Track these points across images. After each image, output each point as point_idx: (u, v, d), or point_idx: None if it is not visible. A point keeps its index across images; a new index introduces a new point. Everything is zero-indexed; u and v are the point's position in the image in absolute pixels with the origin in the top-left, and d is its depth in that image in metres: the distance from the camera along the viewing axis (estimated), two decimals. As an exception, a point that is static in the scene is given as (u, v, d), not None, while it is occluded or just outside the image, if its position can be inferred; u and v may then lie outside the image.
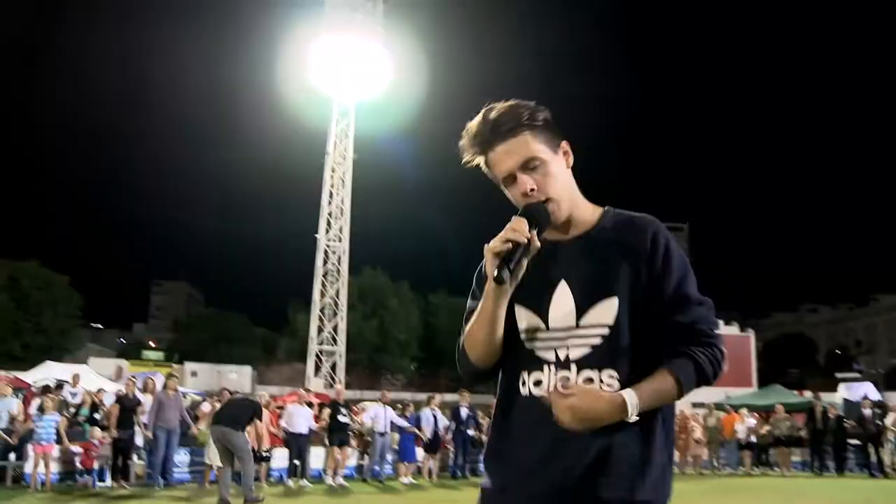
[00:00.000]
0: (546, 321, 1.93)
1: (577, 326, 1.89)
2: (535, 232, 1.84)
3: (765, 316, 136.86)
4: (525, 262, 1.84)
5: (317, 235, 42.44)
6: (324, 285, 42.62)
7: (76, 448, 13.25)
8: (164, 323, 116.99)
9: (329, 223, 42.65)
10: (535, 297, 1.95)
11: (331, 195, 42.66)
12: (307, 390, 18.42)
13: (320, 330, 42.39)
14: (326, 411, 15.47)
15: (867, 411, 19.39)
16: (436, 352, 68.26)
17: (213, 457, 13.52)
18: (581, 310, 1.89)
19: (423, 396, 20.22)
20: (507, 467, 1.94)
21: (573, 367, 1.87)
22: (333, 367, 42.29)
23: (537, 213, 1.88)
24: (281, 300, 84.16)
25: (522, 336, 1.96)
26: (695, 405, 27.69)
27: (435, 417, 16.87)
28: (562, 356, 1.89)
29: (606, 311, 1.87)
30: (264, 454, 13.83)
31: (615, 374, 1.84)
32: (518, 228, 1.81)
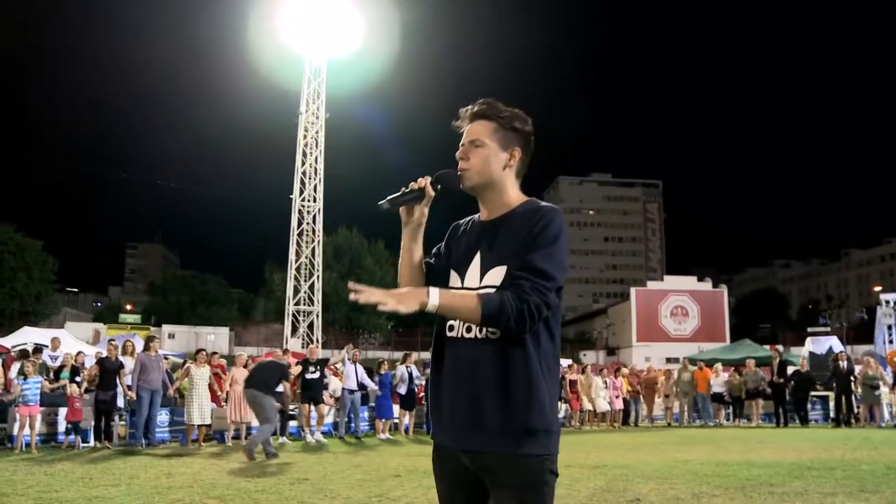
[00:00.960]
0: (463, 281, 2.42)
1: (479, 286, 2.35)
2: (434, 186, 2.43)
3: (739, 271, 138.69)
4: (418, 206, 2.46)
5: (291, 196, 42.49)
6: (299, 245, 42.70)
7: (61, 410, 13.52)
8: (140, 286, 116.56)
9: (303, 183, 42.63)
10: (461, 262, 2.46)
11: (304, 155, 42.59)
12: (285, 350, 18.71)
13: (297, 290, 42.57)
14: (297, 369, 15.77)
15: (843, 363, 20.00)
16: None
17: (193, 416, 13.88)
18: (483, 273, 2.37)
19: (399, 355, 20.53)
20: (440, 421, 2.43)
21: None
22: (311, 327, 42.56)
23: (444, 176, 2.46)
24: (257, 261, 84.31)
25: None
26: (668, 360, 28.31)
27: (410, 374, 17.29)
28: None
29: (496, 276, 2.33)
30: (291, 412, 15.26)
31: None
32: (420, 180, 2.44)
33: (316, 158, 42.75)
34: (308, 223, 42.81)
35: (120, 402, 14.19)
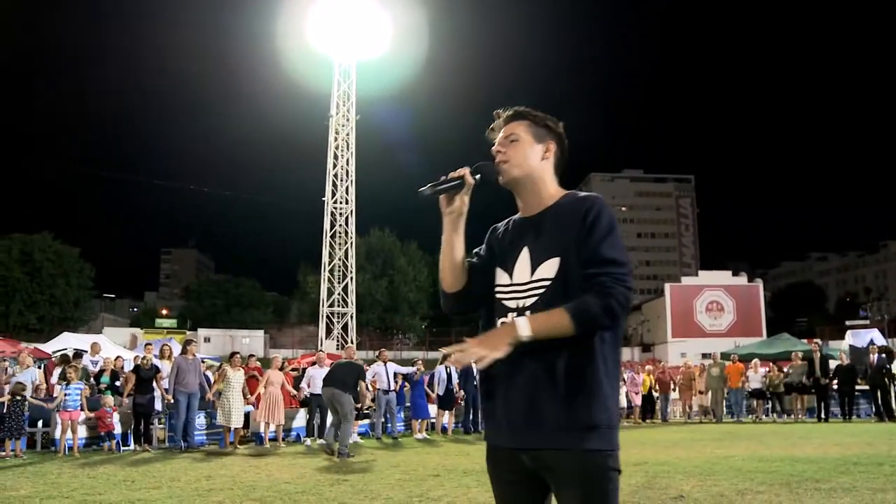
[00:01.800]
0: (511, 277, 2.42)
1: (530, 281, 2.36)
2: (475, 177, 2.43)
3: (774, 265, 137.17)
4: (458, 195, 2.44)
5: (324, 198, 42.64)
6: (332, 247, 42.88)
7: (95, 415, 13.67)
8: (175, 291, 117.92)
9: (335, 185, 42.81)
10: (507, 259, 2.46)
11: (335, 157, 42.77)
12: (318, 352, 18.74)
13: (330, 292, 42.74)
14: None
15: (874, 356, 19.64)
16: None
17: (225, 418, 13.92)
18: (534, 267, 2.37)
19: (435, 355, 20.48)
20: (494, 421, 2.41)
21: (527, 313, 2.31)
22: (345, 329, 42.70)
23: (483, 166, 2.47)
24: (291, 264, 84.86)
25: (497, 290, 2.46)
26: (704, 356, 27.96)
27: (449, 374, 17.20)
28: (521, 305, 2.36)
29: (550, 268, 2.32)
30: (366, 411, 15.33)
31: None
32: (459, 170, 2.43)
33: (347, 160, 42.91)
34: (341, 225, 42.98)
35: (158, 406, 14.31)
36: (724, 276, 64.54)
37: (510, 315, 2.36)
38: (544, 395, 2.22)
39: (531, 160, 2.46)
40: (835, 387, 20.25)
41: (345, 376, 12.87)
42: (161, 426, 14.62)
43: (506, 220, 2.62)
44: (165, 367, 14.37)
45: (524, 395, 2.26)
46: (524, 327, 2.17)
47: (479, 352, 2.15)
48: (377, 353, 17.10)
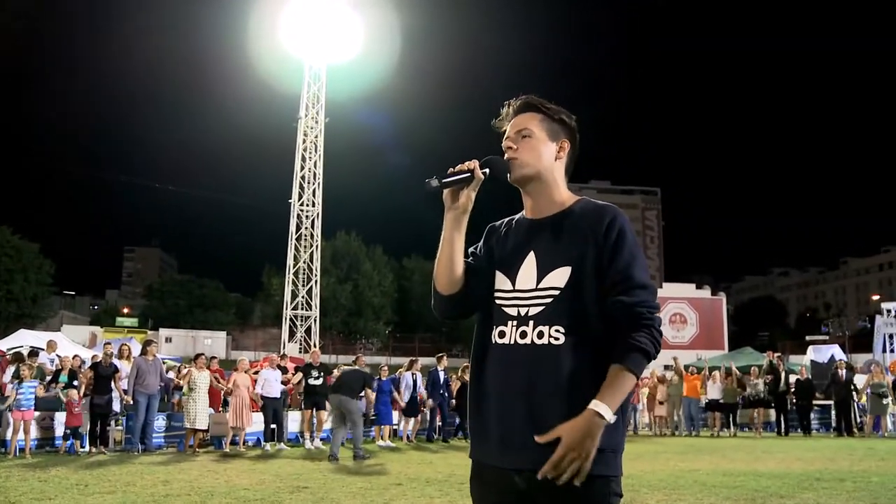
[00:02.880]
0: (514, 283, 2.27)
1: (536, 289, 2.21)
2: (483, 170, 2.26)
3: (737, 279, 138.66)
4: (465, 190, 2.27)
5: (290, 200, 42.35)
6: (297, 250, 42.58)
7: (57, 414, 13.34)
8: (138, 289, 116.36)
9: (302, 188, 42.53)
10: (510, 263, 2.31)
11: (303, 160, 42.50)
12: (282, 355, 18.51)
13: (294, 295, 42.43)
14: (298, 375, 15.59)
15: (842, 371, 19.83)
16: (410, 315, 68.58)
17: (194, 421, 13.68)
18: (541, 275, 2.22)
19: (398, 361, 20.32)
20: (485, 437, 2.22)
21: (530, 322, 2.18)
22: (308, 332, 42.41)
23: (493, 161, 2.31)
24: (255, 266, 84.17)
25: (496, 295, 2.30)
26: (666, 367, 28.09)
27: (415, 381, 17.07)
28: (522, 313, 2.21)
29: (559, 277, 2.18)
30: (372, 416, 16.12)
31: (561, 328, 2.13)
32: (468, 163, 2.27)
33: (315, 163, 42.66)
34: (307, 228, 42.70)
35: (116, 407, 14.01)
36: (687, 289, 64.94)
37: (510, 323, 2.21)
38: (545, 410, 2.07)
39: (544, 160, 2.31)
40: (794, 401, 20.42)
41: (352, 383, 13.34)
42: (118, 427, 14.30)
43: (507, 220, 2.47)
44: (125, 367, 14.08)
45: (522, 410, 2.11)
46: (606, 410, 2.00)
47: (577, 465, 1.96)
48: (354, 359, 16.92)
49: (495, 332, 2.24)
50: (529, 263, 2.25)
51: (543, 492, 2.05)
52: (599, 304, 2.13)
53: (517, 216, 2.45)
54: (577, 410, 2.02)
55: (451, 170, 2.27)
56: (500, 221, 2.49)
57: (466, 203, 2.29)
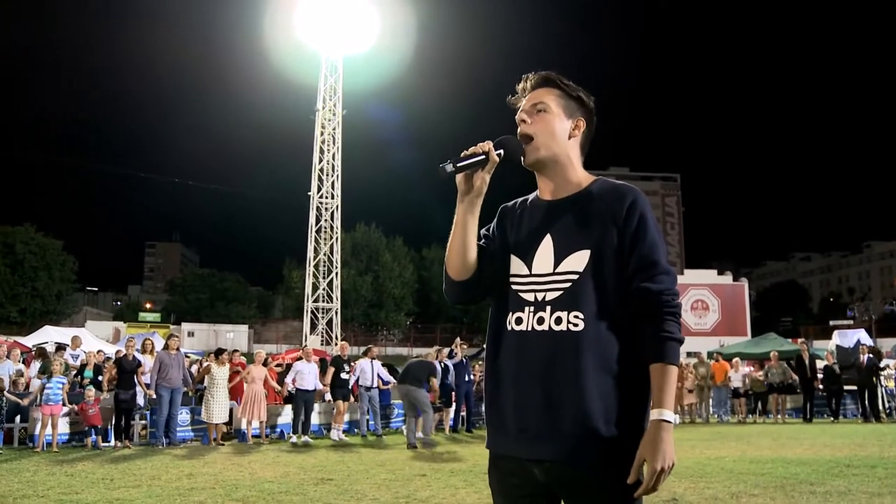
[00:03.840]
0: (530, 268, 2.20)
1: (554, 273, 2.14)
2: (498, 152, 2.19)
3: (758, 265, 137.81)
4: (479, 173, 2.19)
5: (309, 193, 42.37)
6: (317, 242, 42.63)
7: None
8: (159, 284, 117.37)
9: (321, 180, 42.54)
10: (525, 246, 2.24)
11: (321, 152, 42.49)
12: (303, 347, 18.49)
13: (315, 287, 42.49)
14: (330, 367, 15.55)
15: (864, 357, 19.61)
16: (431, 306, 68.61)
17: (213, 415, 13.73)
18: (558, 259, 2.15)
19: (420, 351, 20.22)
20: (501, 427, 2.16)
21: (548, 308, 2.11)
22: (329, 324, 42.46)
23: (507, 142, 2.24)
24: (275, 259, 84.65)
25: (512, 280, 2.23)
26: (689, 355, 27.93)
27: (445, 368, 16.54)
28: (539, 298, 2.13)
29: (578, 261, 2.11)
30: (439, 404, 16.38)
31: (580, 314, 2.06)
32: (482, 144, 2.19)
33: (333, 155, 42.62)
34: (326, 220, 42.72)
35: (140, 401, 14.06)
36: (709, 275, 64.51)
37: (527, 309, 2.14)
38: (566, 397, 2.01)
39: (558, 137, 2.24)
40: (821, 387, 20.25)
41: (418, 373, 13.79)
42: (143, 422, 14.36)
43: (520, 200, 2.40)
44: (148, 361, 14.12)
45: (540, 398, 2.04)
46: (670, 415, 1.97)
47: (665, 474, 1.93)
48: (365, 349, 16.89)
49: (511, 318, 2.17)
50: (546, 247, 2.18)
51: (563, 485, 2.01)
52: (619, 290, 2.07)
53: (531, 196, 2.38)
54: (596, 399, 1.98)
55: (465, 153, 2.20)
56: (513, 202, 2.42)
57: (481, 186, 2.21)
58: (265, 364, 15.46)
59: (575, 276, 2.09)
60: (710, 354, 23.87)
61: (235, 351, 16.17)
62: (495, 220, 2.41)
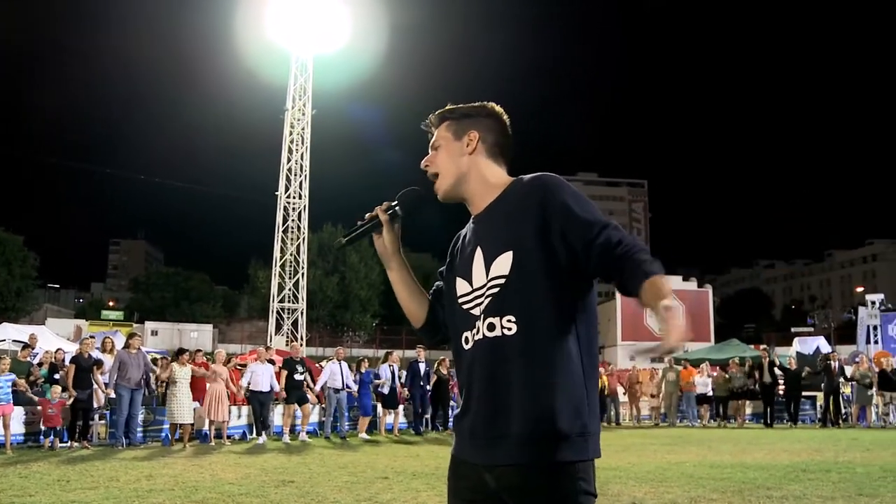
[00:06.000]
0: (471, 284, 2.20)
1: (486, 282, 2.13)
2: (394, 210, 2.36)
3: (723, 272, 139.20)
4: (379, 237, 2.38)
5: (276, 193, 42.13)
6: (284, 242, 42.35)
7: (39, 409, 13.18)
8: (123, 282, 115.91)
9: (289, 180, 42.26)
10: (465, 266, 2.25)
11: (290, 152, 42.23)
12: (267, 348, 18.39)
13: (281, 287, 42.22)
14: (283, 371, 15.50)
15: (834, 363, 19.95)
16: (397, 308, 67.54)
17: (175, 415, 13.59)
18: (487, 267, 2.15)
19: (384, 353, 20.32)
20: (460, 432, 2.18)
21: (484, 317, 2.10)
22: (295, 325, 42.24)
23: (403, 195, 2.38)
24: (241, 258, 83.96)
25: (459, 300, 2.23)
26: (653, 360, 28.18)
27: (393, 373, 17.07)
28: (481, 310, 2.13)
29: (503, 264, 2.10)
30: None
31: (513, 318, 2.05)
32: (375, 209, 2.35)
33: (302, 155, 42.37)
34: (293, 220, 42.47)
35: (101, 401, 13.87)
36: (674, 281, 65.28)
37: (477, 324, 2.12)
38: (512, 399, 2.00)
39: (456, 161, 2.29)
40: (781, 391, 20.55)
41: None
42: (102, 422, 14.18)
43: (466, 226, 2.40)
44: (109, 360, 13.94)
45: (485, 406, 2.06)
46: (660, 276, 1.83)
47: (681, 336, 1.73)
48: (335, 351, 16.91)
49: (463, 336, 2.19)
50: (479, 259, 2.18)
51: (509, 490, 1.98)
52: (550, 285, 2.02)
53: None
54: (536, 400, 1.95)
55: (360, 220, 2.35)
56: (463, 229, 2.41)
57: (392, 244, 2.40)
58: (227, 364, 15.36)
59: (502, 281, 2.09)
60: (677, 360, 24.10)
61: (198, 351, 16.06)
62: (449, 252, 2.43)
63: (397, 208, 2.35)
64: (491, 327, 2.07)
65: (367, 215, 2.34)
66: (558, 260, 2.03)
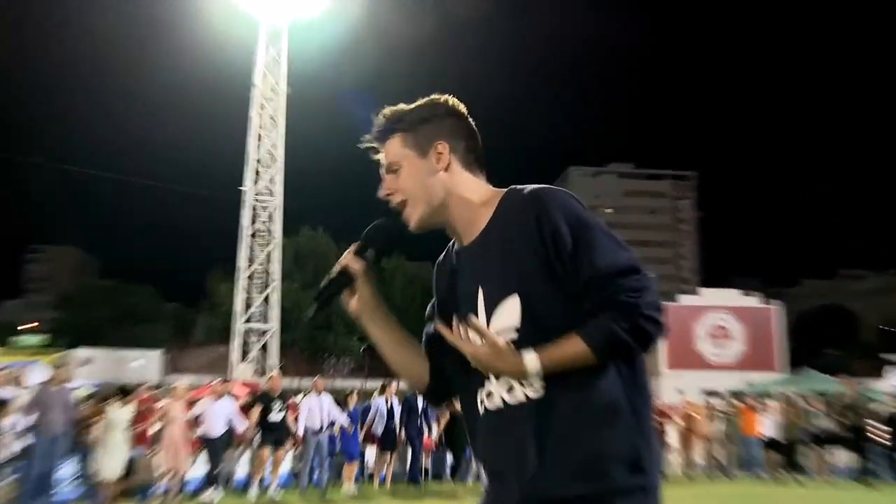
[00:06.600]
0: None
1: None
2: (365, 255, 2.39)
3: (794, 284, 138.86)
4: (357, 290, 2.39)
5: (242, 188, 42.04)
6: (252, 249, 42.38)
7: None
8: (47, 299, 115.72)
9: (258, 173, 42.28)
10: (467, 308, 2.28)
11: (259, 138, 42.24)
12: (225, 380, 18.03)
13: (248, 304, 42.22)
14: (256, 407, 15.13)
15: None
16: None
17: (106, 470, 13.21)
18: (489, 314, 2.21)
19: (375, 384, 20.13)
20: (484, 484, 2.30)
21: (501, 377, 2.18)
22: (265, 349, 42.20)
23: (374, 232, 2.42)
24: (199, 268, 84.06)
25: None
26: (708, 394, 27.93)
27: (391, 409, 16.90)
28: None
29: (511, 313, 2.15)
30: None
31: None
32: (342, 260, 2.38)
33: (274, 143, 42.37)
34: (263, 222, 42.50)
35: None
36: (731, 296, 64.47)
37: (490, 387, 2.21)
38: (552, 465, 2.05)
39: (426, 183, 2.31)
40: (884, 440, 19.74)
41: None
42: (14, 477, 13.80)
43: (447, 252, 2.47)
44: (21, 396, 13.51)
45: (523, 472, 2.09)
46: (532, 362, 2.04)
47: (482, 359, 2.10)
48: (313, 382, 16.88)
49: (480, 394, 2.26)
50: (481, 304, 2.24)
51: None
52: (571, 324, 2.07)
53: (453, 244, 2.45)
54: (583, 460, 2.02)
55: (329, 277, 2.37)
56: (444, 254, 2.48)
57: (370, 300, 2.40)
58: (179, 400, 15.03)
59: (514, 336, 2.12)
60: (735, 394, 23.76)
61: (141, 385, 15.80)
62: (434, 284, 2.50)
63: (369, 252, 2.36)
64: (510, 391, 2.15)
65: (334, 269, 2.35)
66: (571, 295, 2.09)
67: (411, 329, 2.45)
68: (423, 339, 2.45)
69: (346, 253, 2.36)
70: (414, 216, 2.31)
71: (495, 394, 2.18)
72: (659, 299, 2.07)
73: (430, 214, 2.30)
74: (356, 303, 2.37)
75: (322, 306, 2.35)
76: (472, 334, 2.16)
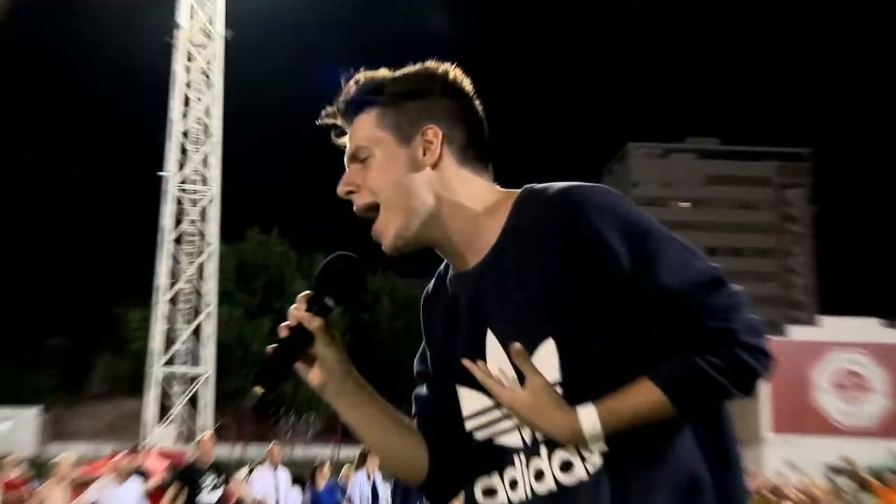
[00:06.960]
0: (491, 395, 2.22)
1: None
2: (327, 300, 2.31)
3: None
4: (318, 355, 2.32)
5: (162, 173, 42.08)
6: (176, 260, 42.49)
7: None
8: None
9: (184, 152, 42.42)
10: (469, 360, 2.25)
11: (186, 102, 42.34)
12: (133, 450, 17.93)
13: (170, 340, 42.25)
14: (174, 487, 14.96)
15: None
16: (374, 367, 68.72)
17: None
18: (518, 370, 2.14)
19: (350, 452, 20.21)
20: None
21: (542, 448, 2.17)
22: (194, 402, 42.26)
23: (330, 273, 2.34)
24: (98, 290, 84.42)
25: (471, 425, 2.33)
26: (835, 471, 27.90)
27: (374, 487, 17.18)
28: (528, 437, 2.20)
29: (547, 363, 2.11)
30: None
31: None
32: (293, 312, 2.29)
33: (207, 109, 42.50)
34: (193, 221, 42.66)
35: None
36: (864, 327, 64.08)
37: (515, 458, 2.21)
38: None
39: (407, 181, 2.26)
40: None
41: None
42: None
43: (436, 280, 2.51)
44: None
45: None
46: (590, 422, 2.02)
47: (522, 410, 2.08)
48: (268, 450, 17.18)
49: (499, 483, 2.27)
50: (495, 351, 2.22)
51: None
52: (636, 372, 2.05)
53: (444, 268, 2.47)
54: None
55: (279, 339, 2.29)
56: (431, 285, 2.52)
57: (332, 371, 2.34)
58: (64, 479, 14.95)
59: (557, 389, 2.11)
60: (872, 471, 23.55)
61: (9, 457, 15.72)
62: (423, 328, 2.52)
63: (328, 301, 2.30)
64: (566, 467, 2.12)
65: (282, 332, 2.27)
66: (636, 330, 2.08)
67: (400, 379, 2.26)
68: (415, 407, 2.48)
69: (293, 306, 2.27)
70: (389, 230, 2.26)
71: (521, 480, 2.18)
72: (758, 319, 2.05)
73: (412, 228, 2.26)
74: (317, 374, 2.30)
75: (271, 388, 2.25)
76: (500, 370, 2.16)
